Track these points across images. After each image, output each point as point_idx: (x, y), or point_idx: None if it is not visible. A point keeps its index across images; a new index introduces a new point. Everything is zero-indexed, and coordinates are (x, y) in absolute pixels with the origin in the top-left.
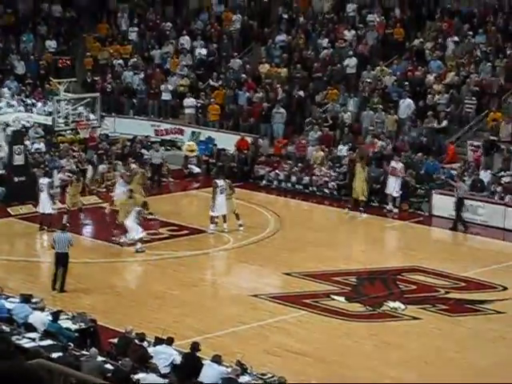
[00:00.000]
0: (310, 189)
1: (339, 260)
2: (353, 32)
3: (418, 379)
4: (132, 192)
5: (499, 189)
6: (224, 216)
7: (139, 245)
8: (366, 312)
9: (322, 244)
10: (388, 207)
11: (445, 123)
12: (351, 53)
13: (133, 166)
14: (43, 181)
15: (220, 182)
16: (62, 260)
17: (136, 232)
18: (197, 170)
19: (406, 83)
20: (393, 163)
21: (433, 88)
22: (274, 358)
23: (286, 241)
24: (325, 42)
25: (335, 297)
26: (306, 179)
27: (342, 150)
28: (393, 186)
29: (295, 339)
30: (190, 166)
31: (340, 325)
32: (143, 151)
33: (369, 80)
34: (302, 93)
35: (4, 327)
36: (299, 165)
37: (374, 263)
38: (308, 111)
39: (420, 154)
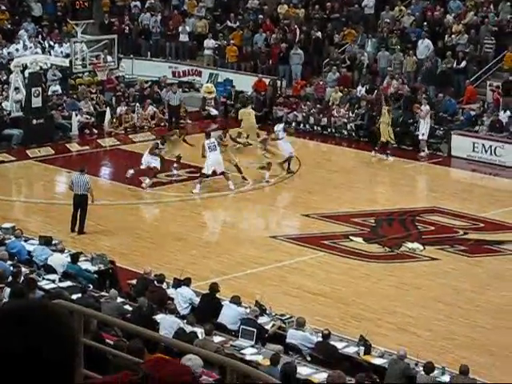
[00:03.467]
0: (329, 130)
1: (358, 202)
2: None
3: (435, 319)
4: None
5: None
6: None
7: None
8: (384, 253)
9: (341, 186)
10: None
11: (463, 64)
12: None
13: (150, 107)
14: (209, 142)
15: None
16: (80, 202)
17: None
18: (214, 111)
19: (425, 23)
20: (422, 106)
21: (452, 28)
22: (293, 298)
23: (305, 182)
24: None
25: (354, 238)
26: (325, 120)
27: (361, 91)
28: (421, 129)
29: (314, 280)
30: (207, 107)
31: (359, 266)
32: (161, 93)
33: (387, 20)
34: (319, 34)
35: (24, 269)
36: (318, 106)
37: (393, 204)
38: (326, 52)
39: (440, 95)
